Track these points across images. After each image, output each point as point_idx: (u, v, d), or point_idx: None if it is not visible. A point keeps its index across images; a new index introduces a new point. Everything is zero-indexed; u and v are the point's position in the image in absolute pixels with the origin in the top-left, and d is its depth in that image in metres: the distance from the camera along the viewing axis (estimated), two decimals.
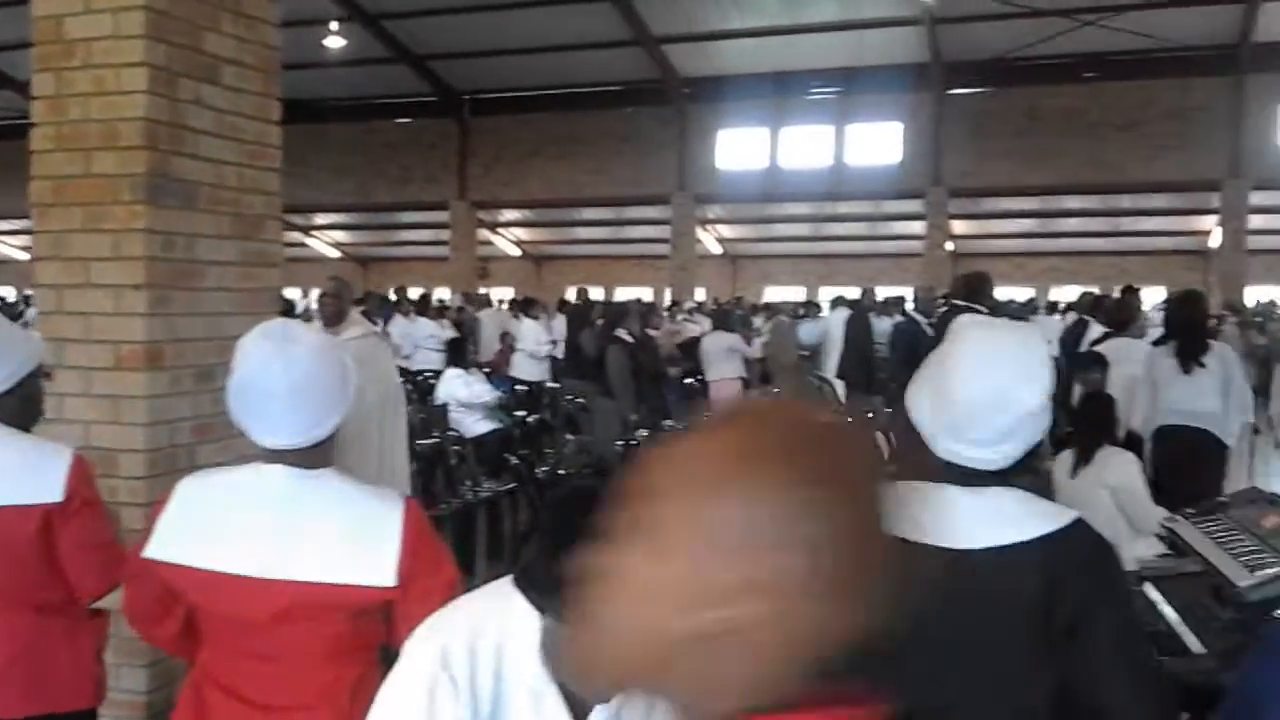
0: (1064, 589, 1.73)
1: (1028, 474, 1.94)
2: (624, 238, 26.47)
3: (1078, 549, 1.77)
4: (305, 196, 23.63)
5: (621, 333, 8.05)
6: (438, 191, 23.27)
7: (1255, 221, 19.24)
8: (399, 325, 13.99)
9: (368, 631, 1.98)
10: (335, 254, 29.69)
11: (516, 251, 28.06)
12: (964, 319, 1.85)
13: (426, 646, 1.53)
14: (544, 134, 22.37)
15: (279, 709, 1.95)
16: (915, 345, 7.33)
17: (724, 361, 10.48)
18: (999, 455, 1.76)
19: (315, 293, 19.06)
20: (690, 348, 12.36)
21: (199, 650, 2.07)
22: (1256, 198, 18.90)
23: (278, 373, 1.88)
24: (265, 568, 1.89)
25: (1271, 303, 16.05)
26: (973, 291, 6.97)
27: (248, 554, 1.90)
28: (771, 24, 18.79)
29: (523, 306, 14.13)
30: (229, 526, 1.94)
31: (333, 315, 5.03)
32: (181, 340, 3.49)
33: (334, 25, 18.64)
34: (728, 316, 11.57)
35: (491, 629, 1.53)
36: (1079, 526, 1.79)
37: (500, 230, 26.78)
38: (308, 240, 28.30)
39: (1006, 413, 1.72)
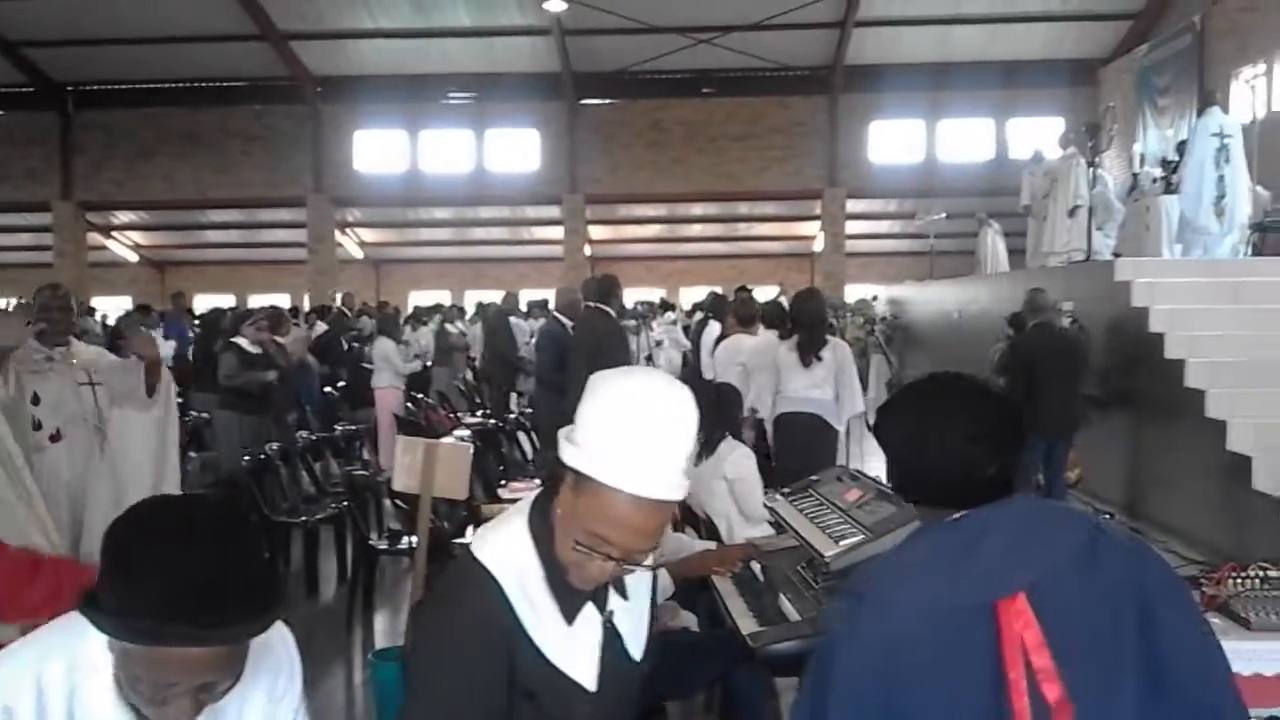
0: None
1: None
2: (258, 241, 25.19)
3: None
4: None
5: (242, 341, 7.63)
6: (38, 191, 21.05)
7: (851, 227, 21.44)
8: None
9: None
10: None
11: (134, 257, 25.88)
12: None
13: None
14: (163, 130, 20.85)
15: None
16: (559, 345, 7.50)
17: (385, 370, 10.24)
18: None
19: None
20: (326, 352, 11.95)
21: None
22: (852, 205, 21.08)
23: None
24: None
25: (871, 299, 17.91)
26: (603, 295, 7.24)
27: None
28: (404, 26, 18.63)
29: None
30: None
31: (63, 330, 4.61)
32: None
33: None
34: (391, 322, 11.28)
35: (59, 670, 1.42)
36: None
37: (115, 234, 24.60)
38: None
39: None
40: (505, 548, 1.74)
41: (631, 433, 1.60)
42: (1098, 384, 8.12)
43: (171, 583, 1.30)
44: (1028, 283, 10.26)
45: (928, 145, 20.84)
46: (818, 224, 22.11)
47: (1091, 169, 11.05)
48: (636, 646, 1.85)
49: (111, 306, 19.91)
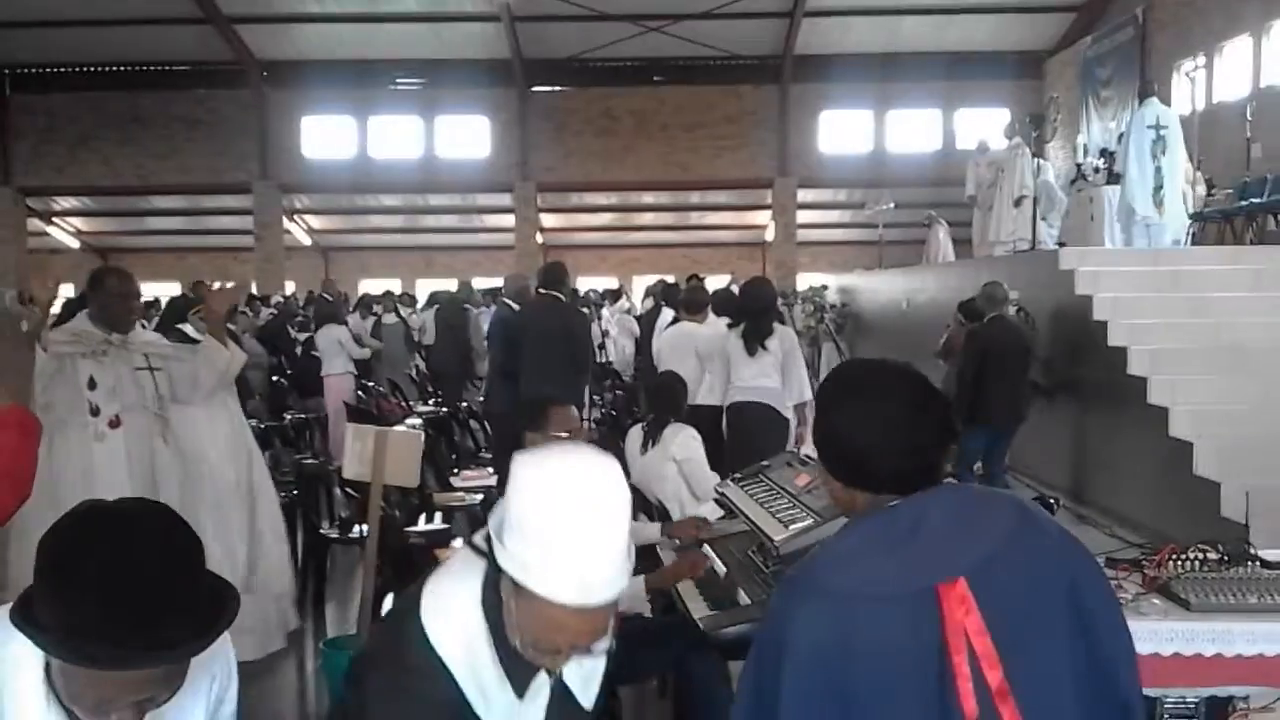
0: None
1: None
2: (203, 228, 24.79)
3: None
4: None
5: (187, 328, 7.52)
6: None
7: (802, 216, 21.58)
8: None
9: None
10: None
11: (76, 244, 25.36)
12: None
13: None
14: (104, 114, 20.47)
15: None
16: (510, 332, 7.47)
17: (335, 357, 10.15)
18: None
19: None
20: (276, 339, 11.83)
21: None
22: (803, 195, 21.21)
23: None
24: None
25: (822, 287, 18.05)
26: (552, 281, 7.23)
27: None
28: (351, 10, 18.44)
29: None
30: None
31: (136, 316, 4.58)
32: None
33: None
34: (336, 309, 11.17)
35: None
36: None
37: (56, 220, 24.08)
38: None
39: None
40: (457, 624, 1.68)
41: (562, 540, 1.53)
42: (1042, 372, 8.26)
43: (110, 603, 1.25)
44: (975, 272, 10.39)
45: (876, 136, 21.03)
46: (769, 213, 22.23)
47: (1036, 159, 11.21)
48: (588, 697, 1.83)
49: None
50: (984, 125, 17.30)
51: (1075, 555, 1.68)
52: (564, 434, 3.66)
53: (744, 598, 3.33)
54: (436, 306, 12.81)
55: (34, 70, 20.28)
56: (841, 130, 21.01)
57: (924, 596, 1.59)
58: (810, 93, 20.52)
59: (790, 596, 1.68)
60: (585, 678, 1.82)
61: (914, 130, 20.93)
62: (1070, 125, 17.12)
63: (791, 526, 3.36)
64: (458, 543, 5.89)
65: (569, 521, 1.54)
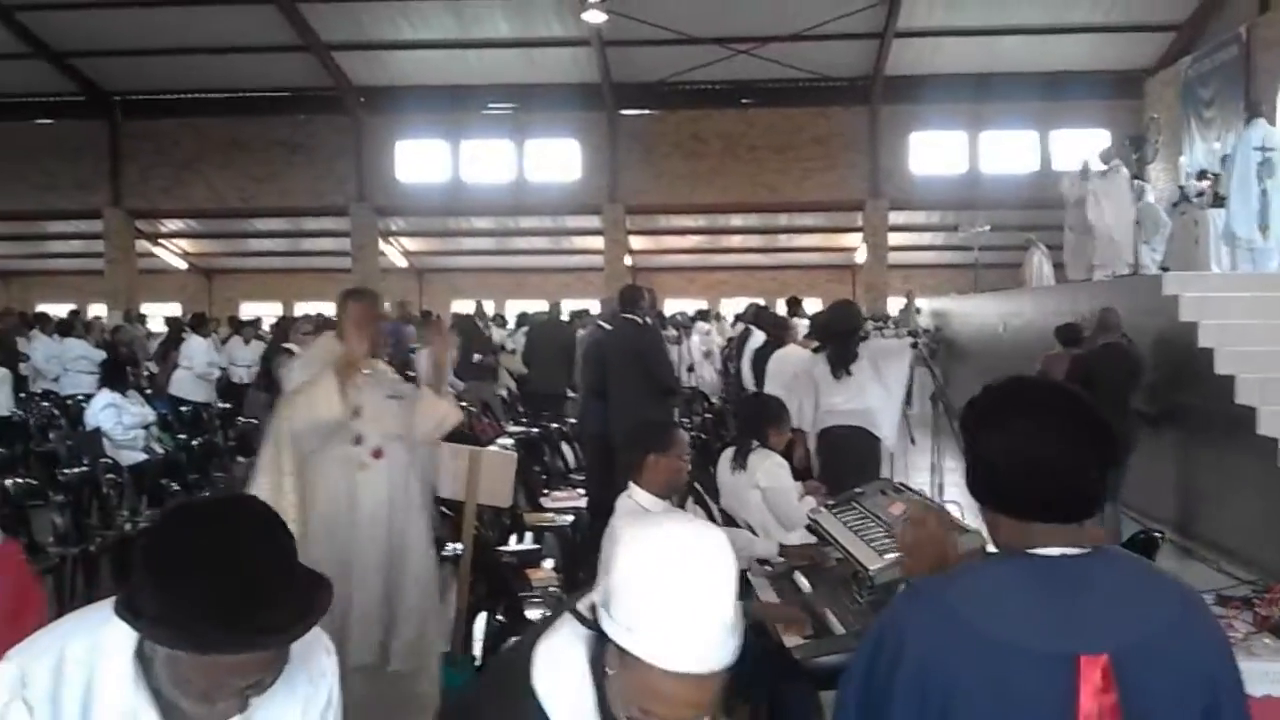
0: None
1: None
2: (302, 250, 25.46)
3: None
4: None
5: (293, 346, 7.76)
6: (88, 199, 21.41)
7: (894, 238, 21.34)
8: (44, 346, 12.80)
9: None
10: None
11: (183, 264, 26.25)
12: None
13: (3, 670, 1.42)
14: (209, 139, 21.17)
15: None
16: (601, 353, 7.53)
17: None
18: None
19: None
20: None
21: None
22: (894, 217, 20.97)
23: None
24: None
25: (915, 309, 17.82)
26: (628, 303, 7.27)
27: None
28: (444, 37, 18.80)
29: (192, 323, 13.28)
30: None
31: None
32: None
33: None
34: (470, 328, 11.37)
35: (81, 650, 1.43)
36: None
37: (163, 241, 24.98)
38: None
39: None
40: (571, 692, 1.66)
41: (668, 607, 1.52)
42: (1146, 400, 8.02)
43: (217, 590, 1.30)
44: (1074, 297, 10.16)
45: (970, 157, 20.71)
46: (859, 235, 22.03)
47: (1137, 182, 10.91)
48: None
49: (160, 314, 20.19)
50: (1082, 146, 16.94)
51: (1224, 661, 1.59)
52: (685, 458, 3.67)
53: (837, 627, 3.29)
54: (526, 327, 12.95)
55: (143, 97, 21.08)
56: (934, 151, 20.73)
57: (1063, 662, 1.52)
58: (901, 114, 20.31)
59: (917, 612, 1.62)
60: None
61: (1009, 151, 20.56)
62: (1172, 146, 16.64)
63: (887, 556, 3.31)
64: (548, 563, 5.95)
65: (677, 587, 1.52)
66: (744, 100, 20.48)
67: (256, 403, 10.42)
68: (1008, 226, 16.48)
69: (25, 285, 26.62)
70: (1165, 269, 10.61)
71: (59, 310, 16.57)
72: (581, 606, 1.67)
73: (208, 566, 1.31)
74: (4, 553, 1.82)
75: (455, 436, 8.63)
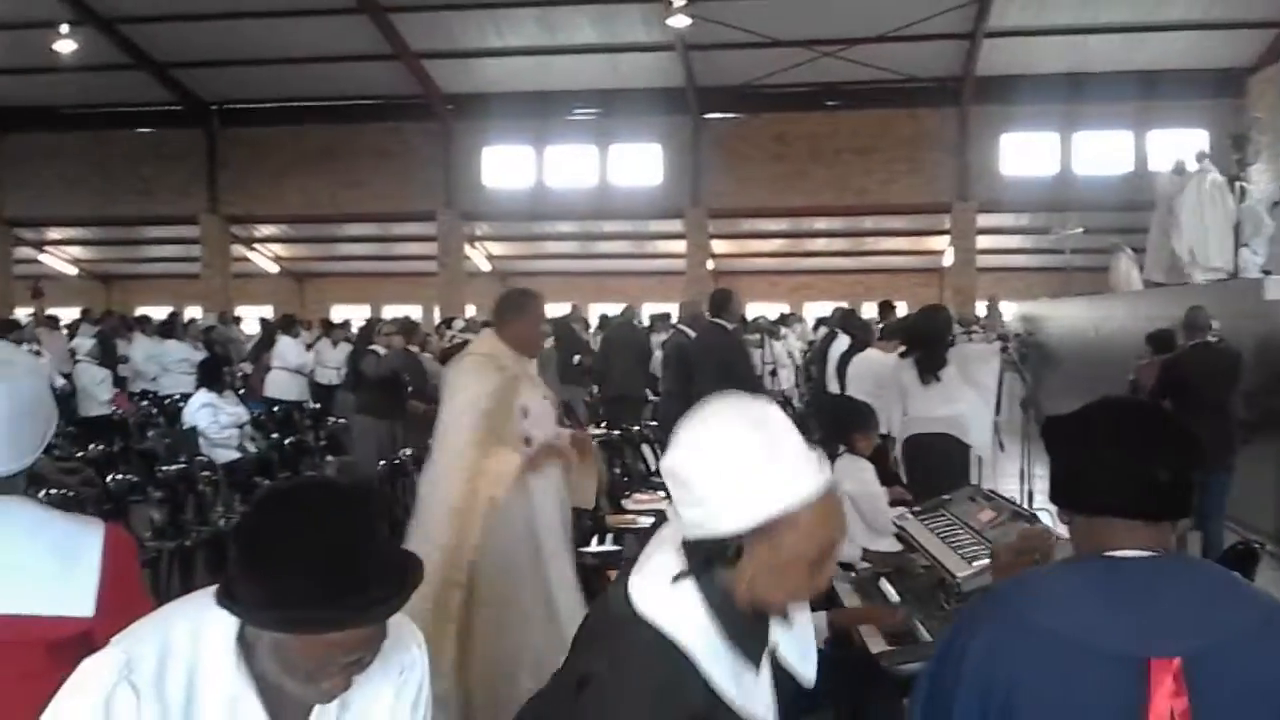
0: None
1: None
2: (390, 254, 25.93)
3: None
4: (38, 208, 21.99)
5: (377, 347, 7.93)
6: (186, 205, 22.08)
7: (982, 241, 20.96)
8: (144, 347, 13.23)
9: (67, 667, 1.84)
10: (73, 270, 27.58)
11: (275, 268, 26.94)
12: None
13: (109, 655, 1.46)
14: (301, 147, 21.66)
15: None
16: (685, 357, 7.54)
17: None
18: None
19: (50, 312, 17.60)
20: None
21: None
22: (982, 220, 20.60)
23: (2, 396, 1.79)
24: None
25: (999, 314, 17.47)
26: (717, 307, 7.26)
27: None
28: (530, 44, 18.99)
29: (282, 324, 13.64)
30: None
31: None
32: None
33: (64, 28, 17.37)
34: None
35: (185, 636, 1.46)
36: None
37: (257, 246, 25.67)
38: (41, 256, 26.17)
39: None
40: (687, 617, 1.60)
41: (768, 453, 1.55)
42: (1245, 406, 7.73)
43: (319, 570, 1.33)
44: (1168, 301, 9.86)
45: (1062, 158, 20.24)
46: (946, 238, 21.69)
47: (1237, 183, 10.56)
48: (808, 671, 1.79)
49: (253, 316, 20.74)
50: (1179, 146, 16.43)
51: None
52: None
53: (923, 634, 3.25)
54: (606, 331, 13.03)
55: (240, 106, 21.66)
56: (1024, 153, 20.30)
57: (1131, 664, 1.49)
58: (991, 115, 19.94)
59: (986, 608, 1.62)
60: (801, 652, 1.77)
61: (1103, 152, 20.04)
62: (1274, 147, 16.07)
63: (975, 564, 3.27)
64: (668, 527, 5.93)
65: (758, 438, 1.57)
66: (829, 102, 20.30)
67: (345, 403, 10.66)
68: (1101, 229, 16.05)
69: (125, 288, 27.58)
70: (1267, 272, 10.25)
71: (157, 312, 17.09)
72: (675, 542, 1.66)
73: (306, 548, 1.35)
74: (122, 541, 1.88)
75: None
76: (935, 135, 20.22)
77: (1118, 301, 12.79)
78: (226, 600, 1.37)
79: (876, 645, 3.27)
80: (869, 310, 13.07)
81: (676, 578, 1.61)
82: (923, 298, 17.10)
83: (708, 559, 1.60)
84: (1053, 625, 1.53)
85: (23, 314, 17.59)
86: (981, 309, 18.24)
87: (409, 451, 7.28)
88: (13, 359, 1.85)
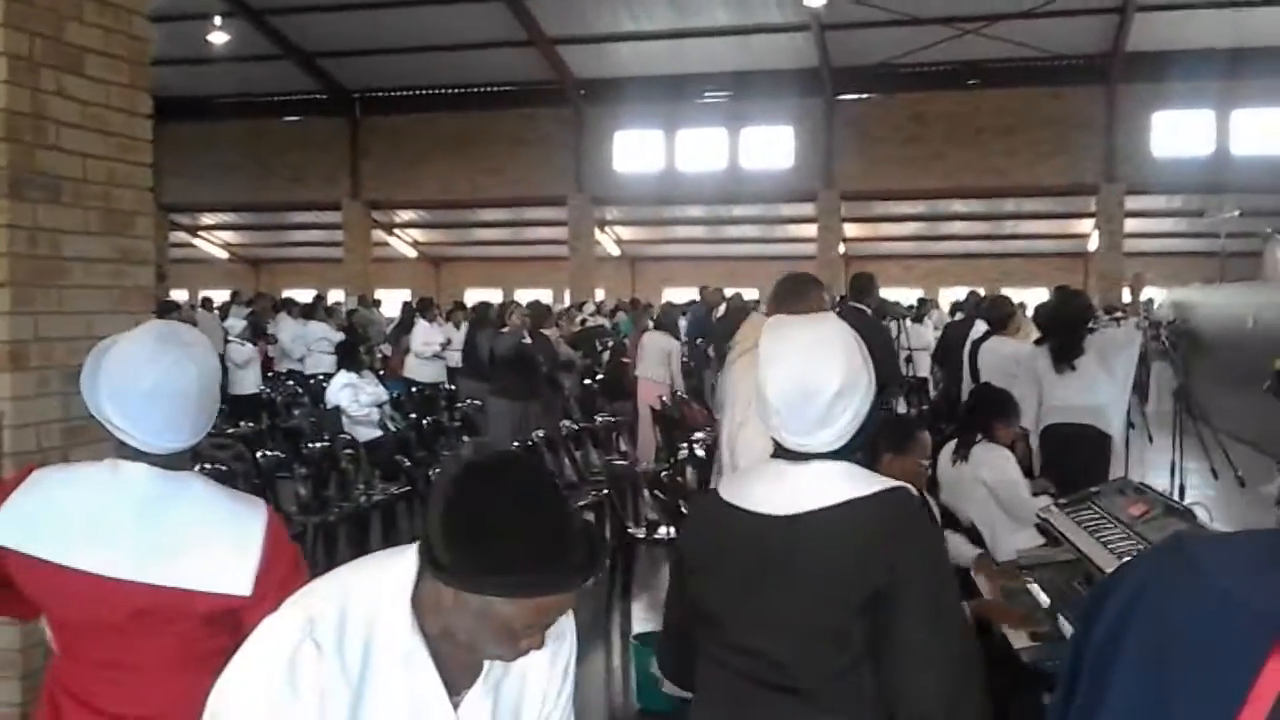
0: (874, 553, 1.83)
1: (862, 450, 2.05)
2: (523, 239, 26.34)
3: (890, 515, 1.87)
4: (193, 195, 23.02)
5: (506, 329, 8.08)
6: (330, 191, 22.84)
7: (1130, 225, 20.06)
8: (290, 328, 13.73)
9: (222, 638, 1.90)
10: (224, 255, 28.90)
11: (413, 253, 27.68)
12: (769, 321, 2.04)
13: (291, 613, 1.50)
14: (439, 133, 22.14)
15: (132, 719, 1.89)
16: None
17: (657, 363, 10.50)
18: (826, 439, 1.91)
19: (204, 295, 18.46)
20: (583, 343, 12.34)
21: None
22: (1131, 202, 19.71)
23: (190, 375, 1.88)
24: (118, 568, 1.83)
25: (1149, 302, 16.69)
26: (858, 291, 7.11)
27: (100, 553, 1.84)
28: (662, 28, 18.95)
29: (419, 307, 13.98)
30: (82, 522, 1.87)
31: None
32: (47, 340, 3.35)
33: (217, 20, 18.14)
34: (671, 319, 11.58)
35: (367, 595, 1.51)
36: (895, 493, 1.89)
37: (396, 231, 26.40)
38: (195, 241, 27.48)
39: (811, 404, 1.88)
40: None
41: None
42: None
43: (536, 537, 1.40)
44: None
45: (1218, 137, 19.19)
46: (1091, 221, 20.85)
47: None
48: None
49: (393, 300, 21.33)
50: None
51: None
52: (925, 462, 3.58)
53: (1069, 630, 3.12)
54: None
55: (380, 94, 22.26)
56: (1176, 132, 19.32)
57: (1272, 628, 1.41)
58: (1142, 92, 19.02)
59: (1159, 551, 1.54)
60: None
61: (1264, 130, 18.91)
62: None
63: (1125, 559, 3.13)
64: None
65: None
66: (970, 81, 19.67)
67: (466, 387, 10.88)
68: (1261, 212, 15.21)
69: (273, 272, 28.75)
70: None
71: (302, 295, 17.73)
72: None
73: (524, 517, 1.41)
74: (279, 523, 1.96)
75: (666, 422, 8.73)
76: (1081, 114, 19.41)
77: (1277, 290, 12.08)
78: (442, 574, 1.41)
79: (1019, 640, 3.17)
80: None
81: None
82: (1065, 283, 16.49)
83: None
84: (1213, 571, 1.46)
85: (179, 296, 18.49)
86: (1127, 294, 17.50)
87: (541, 433, 7.37)
88: (197, 340, 1.94)
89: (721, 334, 7.66)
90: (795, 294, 4.09)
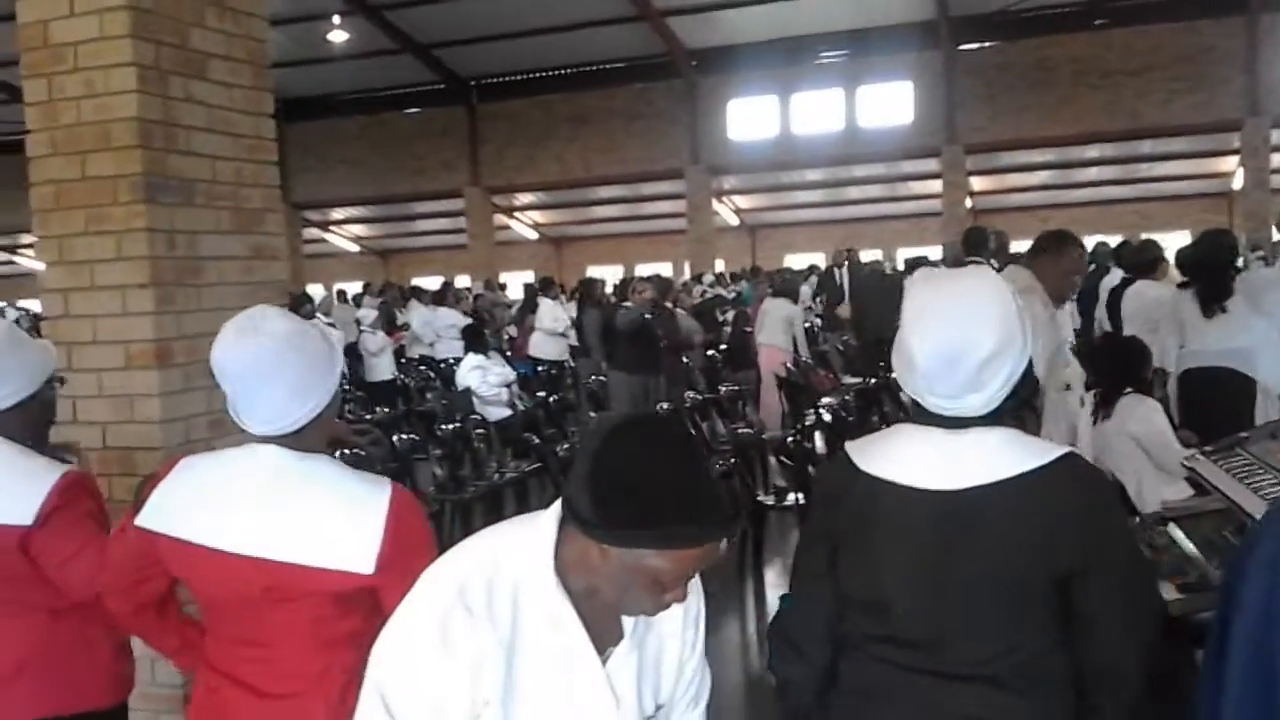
0: (1064, 532, 1.74)
1: (1020, 413, 1.95)
2: (640, 214, 26.42)
3: (1076, 490, 1.77)
4: (322, 191, 23.79)
5: (630, 305, 8.12)
6: (452, 179, 23.31)
7: (1278, 160, 18.95)
8: (420, 315, 14.11)
9: (355, 618, 1.97)
10: (354, 248, 29.82)
11: (534, 235, 28.07)
12: (915, 274, 1.88)
13: (442, 580, 1.55)
14: (554, 115, 22.34)
15: (274, 696, 1.97)
16: None
17: (779, 330, 10.46)
18: (975, 404, 1.80)
19: (338, 287, 19.14)
20: (704, 315, 12.33)
21: (168, 630, 2.19)
22: (1278, 135, 18.61)
23: (246, 360, 1.95)
24: (246, 545, 1.91)
25: None
26: (972, 245, 6.94)
27: (230, 531, 1.92)
28: None
29: (541, 287, 14.20)
30: (216, 502, 1.96)
31: None
32: (189, 336, 3.51)
33: (336, 19, 18.66)
34: (792, 286, 11.51)
35: (511, 558, 1.54)
36: (1073, 464, 1.79)
37: (517, 214, 26.81)
38: (327, 236, 28.44)
39: (962, 365, 1.76)
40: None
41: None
42: None
43: (687, 490, 1.43)
44: None
45: None
46: (1236, 159, 19.77)
47: None
48: None
49: (517, 282, 21.69)
50: None
51: None
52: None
53: (1218, 579, 3.00)
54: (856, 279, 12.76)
55: (496, 80, 22.56)
56: None
57: None
58: None
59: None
60: None
61: None
62: None
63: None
64: None
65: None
66: (1098, 21, 18.81)
67: (584, 365, 10.99)
68: None
69: (401, 262, 29.54)
70: None
71: (430, 283, 18.18)
72: None
73: (674, 471, 1.44)
74: (406, 501, 2.01)
75: (792, 389, 8.67)
76: (1219, 48, 18.38)
77: None
78: (597, 531, 1.44)
79: (1168, 593, 3.06)
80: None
81: None
82: (1209, 225, 15.69)
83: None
84: None
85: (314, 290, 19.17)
86: (1276, 233, 16.56)
87: (665, 405, 7.41)
88: (259, 326, 1.96)
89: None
90: (1047, 248, 4.09)
